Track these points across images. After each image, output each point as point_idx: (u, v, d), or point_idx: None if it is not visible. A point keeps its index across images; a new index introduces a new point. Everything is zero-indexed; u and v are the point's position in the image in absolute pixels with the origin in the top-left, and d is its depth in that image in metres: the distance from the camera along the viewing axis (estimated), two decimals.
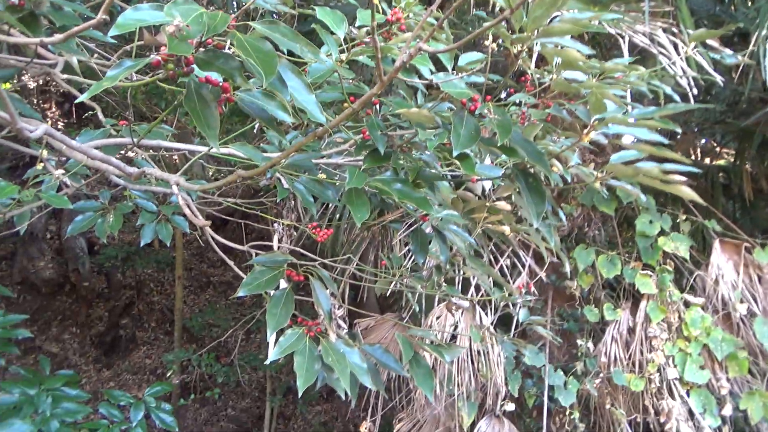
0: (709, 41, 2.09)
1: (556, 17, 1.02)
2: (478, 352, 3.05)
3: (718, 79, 2.10)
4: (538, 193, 1.05)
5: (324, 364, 1.09)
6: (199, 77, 0.82)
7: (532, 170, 1.08)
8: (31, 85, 7.59)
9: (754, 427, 3.26)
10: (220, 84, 0.84)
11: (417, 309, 2.15)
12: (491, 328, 2.96)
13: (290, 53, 0.85)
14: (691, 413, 3.17)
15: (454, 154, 0.96)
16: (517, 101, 1.23)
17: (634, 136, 1.28)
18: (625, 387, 3.25)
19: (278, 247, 1.82)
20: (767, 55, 2.24)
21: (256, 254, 1.26)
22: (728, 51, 1.99)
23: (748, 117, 3.76)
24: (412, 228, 1.40)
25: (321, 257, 1.69)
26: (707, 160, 4.62)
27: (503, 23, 1.12)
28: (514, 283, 3.16)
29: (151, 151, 1.83)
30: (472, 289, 3.00)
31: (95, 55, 1.64)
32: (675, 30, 2.22)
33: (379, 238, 3.37)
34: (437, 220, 1.35)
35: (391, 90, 2.56)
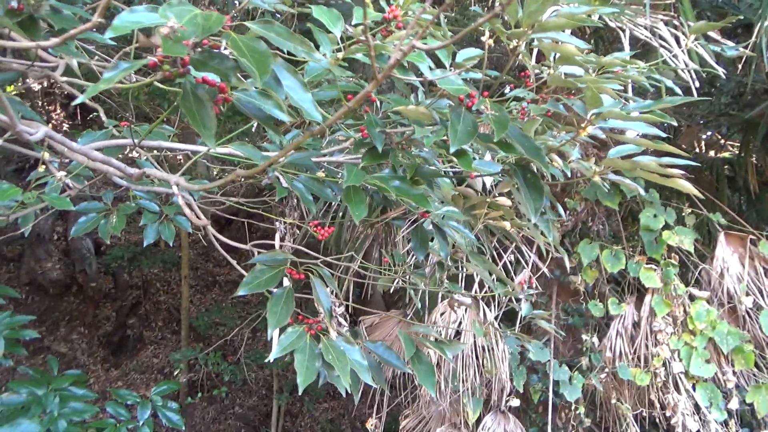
0: (710, 33, 2.08)
1: (554, 11, 1.02)
2: (483, 348, 3.06)
3: (720, 71, 2.09)
4: (536, 189, 1.05)
5: (324, 362, 1.09)
6: (197, 78, 0.83)
7: (530, 166, 1.08)
8: (36, 87, 7.62)
9: (761, 421, 3.25)
10: (217, 84, 0.84)
11: (419, 306, 2.15)
12: (495, 324, 2.96)
13: (290, 53, 0.85)
14: (697, 407, 3.16)
15: (452, 150, 0.96)
16: (519, 96, 1.24)
17: (637, 131, 1.28)
18: (631, 381, 3.24)
19: (280, 246, 1.83)
20: None
21: (259, 253, 1.27)
22: (730, 43, 1.98)
23: (753, 108, 3.73)
24: (413, 225, 1.40)
25: (325, 255, 1.70)
26: (712, 153, 4.59)
27: (502, 19, 1.12)
28: (517, 278, 3.16)
29: (155, 151, 1.84)
30: (476, 285, 3.00)
31: (96, 57, 1.65)
32: (677, 23, 2.21)
33: (382, 235, 3.38)
34: (438, 216, 1.35)
35: (394, 88, 2.56)
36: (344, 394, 1.10)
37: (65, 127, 8.22)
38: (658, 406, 3.28)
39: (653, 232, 3.23)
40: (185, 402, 5.75)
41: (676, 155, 0.99)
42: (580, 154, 1.36)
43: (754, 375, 3.17)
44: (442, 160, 1.42)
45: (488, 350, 3.05)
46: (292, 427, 6.67)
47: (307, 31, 1.19)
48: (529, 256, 3.25)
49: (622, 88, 1.02)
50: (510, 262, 3.23)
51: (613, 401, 3.35)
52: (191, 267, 7.66)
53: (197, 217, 1.58)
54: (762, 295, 3.16)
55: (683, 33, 2.14)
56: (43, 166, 1.16)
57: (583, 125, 0.98)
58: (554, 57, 1.07)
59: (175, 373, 5.61)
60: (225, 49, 0.87)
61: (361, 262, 3.25)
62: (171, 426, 2.98)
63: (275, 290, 1.18)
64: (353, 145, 1.11)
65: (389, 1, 1.29)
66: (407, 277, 1.83)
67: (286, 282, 1.35)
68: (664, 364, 3.19)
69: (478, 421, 3.32)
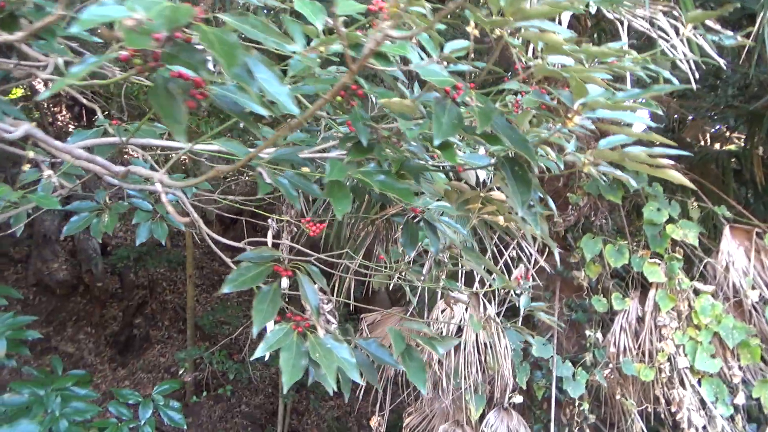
0: (711, 24, 2.04)
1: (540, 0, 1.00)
2: (485, 344, 3.04)
3: (721, 62, 2.05)
4: (524, 182, 1.03)
5: (311, 360, 1.08)
6: (172, 72, 0.82)
7: (518, 158, 1.06)
8: (42, 89, 7.66)
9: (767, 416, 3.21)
10: (191, 79, 0.83)
11: (414, 303, 2.13)
12: (496, 319, 2.94)
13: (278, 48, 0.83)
14: (702, 402, 3.13)
15: (435, 143, 0.94)
16: (511, 89, 1.21)
17: (645, 124, 1.26)
18: (635, 377, 3.21)
19: (273, 243, 1.82)
20: None
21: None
22: (728, 32, 1.94)
23: (758, 100, 3.68)
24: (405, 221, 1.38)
25: (327, 252, 1.69)
26: (718, 146, 4.54)
27: (488, 8, 1.09)
28: (514, 273, 3.13)
29: (158, 150, 1.83)
30: (477, 281, 2.98)
31: (87, 55, 1.64)
32: (676, 13, 2.17)
33: (383, 232, 3.36)
34: (429, 211, 1.33)
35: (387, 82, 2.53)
36: (333, 392, 1.09)
37: (71, 128, 8.26)
38: (663, 401, 3.24)
39: (657, 225, 3.19)
40: (191, 401, 5.77)
41: (667, 145, 0.96)
42: (577, 147, 1.33)
43: (761, 369, 3.13)
44: (437, 155, 1.40)
45: (490, 346, 3.03)
46: (298, 425, 6.67)
47: None
48: (530, 252, 3.22)
49: (611, 77, 1.00)
50: (512, 258, 3.21)
51: (618, 397, 3.32)
52: (196, 266, 7.68)
53: (187, 215, 1.57)
54: None
55: (683, 23, 2.10)
56: (28, 165, 1.15)
57: (569, 115, 0.96)
58: (542, 47, 1.04)
59: (180, 372, 5.63)
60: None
61: (363, 259, 3.24)
62: (173, 425, 2.99)
63: (263, 287, 1.17)
64: (339, 141, 1.09)
65: None
66: (404, 274, 1.81)
67: (285, 282, 1.34)
68: (669, 360, 3.15)
69: (482, 418, 3.30)
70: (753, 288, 3.11)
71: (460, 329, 3.14)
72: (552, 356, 3.28)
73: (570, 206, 3.35)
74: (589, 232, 3.36)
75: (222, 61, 0.67)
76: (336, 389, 1.24)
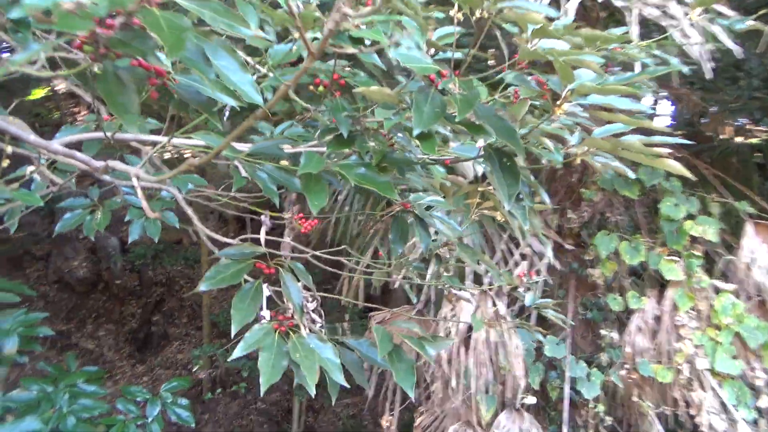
0: (723, 10, 1.94)
1: None
2: (496, 343, 2.97)
3: (737, 49, 1.94)
4: (512, 174, 0.97)
5: (292, 361, 1.04)
6: (133, 62, 0.78)
7: (506, 149, 1.00)
8: (62, 90, 7.78)
9: None
10: (153, 68, 0.79)
11: (415, 301, 2.08)
12: (507, 317, 2.87)
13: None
14: (723, 405, 3.01)
15: (415, 133, 0.89)
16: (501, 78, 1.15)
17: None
18: (653, 378, 3.11)
19: (273, 241, 1.78)
20: None
21: None
22: (738, 17, 1.84)
23: None
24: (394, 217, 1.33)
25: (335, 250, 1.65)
26: (740, 139, 4.38)
27: None
28: (516, 270, 3.05)
29: (170, 148, 1.80)
30: (486, 279, 2.91)
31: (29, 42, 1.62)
32: (688, 0, 2.08)
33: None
34: (420, 207, 1.28)
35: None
36: (312, 394, 1.04)
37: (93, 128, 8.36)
38: (682, 404, 3.13)
39: (675, 222, 3.08)
40: (206, 397, 5.80)
41: (663, 133, 0.90)
42: (582, 138, 1.27)
43: None
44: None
45: (501, 346, 2.96)
46: (314, 422, 6.67)
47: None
48: (544, 251, 3.14)
49: (604, 61, 0.93)
50: (523, 255, 3.13)
51: (635, 399, 3.22)
52: (212, 263, 7.71)
53: (177, 210, 1.55)
54: None
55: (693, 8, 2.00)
56: (6, 161, 1.13)
57: (558, 102, 0.90)
58: (531, 31, 0.98)
59: (194, 368, 5.65)
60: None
61: (370, 258, 3.19)
62: (181, 422, 2.98)
63: (244, 285, 1.13)
64: (318, 132, 1.04)
65: None
66: (404, 271, 1.76)
67: (291, 283, 1.29)
68: (687, 360, 3.04)
69: (494, 419, 3.24)
70: None
71: (470, 328, 3.07)
72: (565, 356, 3.20)
73: (584, 202, 3.25)
74: (604, 228, 3.27)
75: (166, 45, 0.62)
76: (349, 386, 1.21)
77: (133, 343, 7.26)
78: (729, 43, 1.88)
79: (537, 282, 1.68)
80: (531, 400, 3.17)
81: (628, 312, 3.26)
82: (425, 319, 2.87)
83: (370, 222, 3.30)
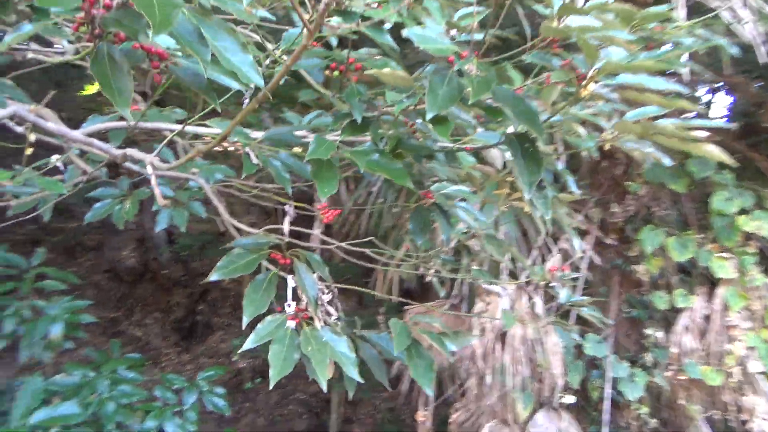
0: None
1: None
2: (532, 340, 2.88)
3: None
4: (534, 161, 0.90)
5: (303, 354, 1.01)
6: (135, 45, 0.76)
7: (529, 134, 0.94)
8: None
9: None
10: (156, 52, 0.77)
11: (442, 295, 2.03)
12: (543, 314, 2.77)
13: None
14: None
15: (428, 116, 0.84)
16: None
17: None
18: (701, 381, 2.95)
19: (301, 233, 1.76)
20: None
21: None
22: None
23: None
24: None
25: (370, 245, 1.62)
26: None
27: None
28: (547, 264, 2.94)
29: (189, 136, 1.81)
30: (523, 275, 2.81)
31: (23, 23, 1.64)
32: None
33: None
34: (442, 197, 1.23)
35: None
36: (324, 390, 1.01)
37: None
38: (733, 408, 2.97)
39: (727, 217, 2.91)
40: (246, 387, 5.89)
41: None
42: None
43: None
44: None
45: (538, 343, 2.87)
46: (352, 414, 6.69)
47: None
48: (585, 247, 3.02)
49: (634, 38, 0.85)
50: (561, 250, 3.02)
51: (681, 401, 3.07)
52: None
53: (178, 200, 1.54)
54: None
55: None
56: (30, 149, 1.14)
57: (584, 82, 0.83)
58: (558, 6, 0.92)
59: (234, 358, 5.75)
60: None
61: (407, 249, 3.14)
62: (217, 411, 3.03)
63: (258, 276, 1.11)
64: (333, 118, 1.01)
65: None
66: (433, 264, 1.71)
67: (305, 274, 1.27)
68: (739, 363, 2.88)
69: (531, 417, 3.15)
70: None
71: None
72: (607, 355, 3.08)
73: (629, 195, 3.11)
74: (650, 223, 3.12)
75: (153, 22, 0.60)
76: (384, 382, 1.17)
77: (178, 332, 7.46)
78: None
79: (572, 277, 1.60)
80: (570, 399, 3.07)
81: (675, 311, 3.11)
82: (459, 315, 2.81)
83: (404, 214, 3.26)
